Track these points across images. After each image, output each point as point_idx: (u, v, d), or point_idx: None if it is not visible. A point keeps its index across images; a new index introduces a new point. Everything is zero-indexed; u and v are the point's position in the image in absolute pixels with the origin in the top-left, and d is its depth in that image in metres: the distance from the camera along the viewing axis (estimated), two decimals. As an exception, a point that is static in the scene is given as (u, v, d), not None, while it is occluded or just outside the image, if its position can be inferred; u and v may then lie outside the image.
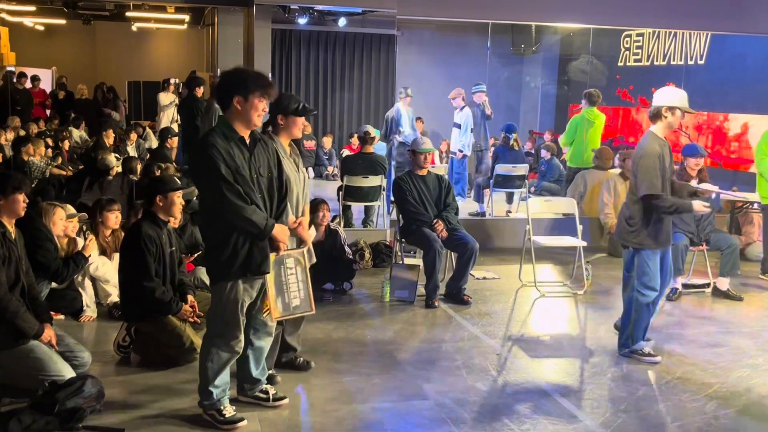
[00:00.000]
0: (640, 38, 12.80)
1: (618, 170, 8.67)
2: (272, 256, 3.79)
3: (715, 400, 4.42)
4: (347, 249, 6.52)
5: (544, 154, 11.11)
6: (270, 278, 3.83)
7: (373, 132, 8.29)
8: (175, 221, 5.35)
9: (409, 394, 4.38)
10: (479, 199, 9.85)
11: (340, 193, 8.15)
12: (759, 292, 6.82)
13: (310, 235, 4.55)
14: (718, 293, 6.70)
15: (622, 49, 13.14)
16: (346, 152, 10.59)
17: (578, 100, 10.26)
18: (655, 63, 12.47)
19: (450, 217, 6.30)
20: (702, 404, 4.35)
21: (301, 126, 4.29)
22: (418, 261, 6.61)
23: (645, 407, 4.33)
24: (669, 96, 4.80)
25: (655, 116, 4.82)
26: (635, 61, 12.95)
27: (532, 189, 10.76)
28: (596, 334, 5.63)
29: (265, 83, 3.74)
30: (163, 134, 9.27)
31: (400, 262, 6.55)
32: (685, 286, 6.78)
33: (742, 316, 6.21)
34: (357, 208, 8.42)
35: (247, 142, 3.74)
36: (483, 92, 10.07)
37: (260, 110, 3.72)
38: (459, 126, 10.25)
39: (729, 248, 6.63)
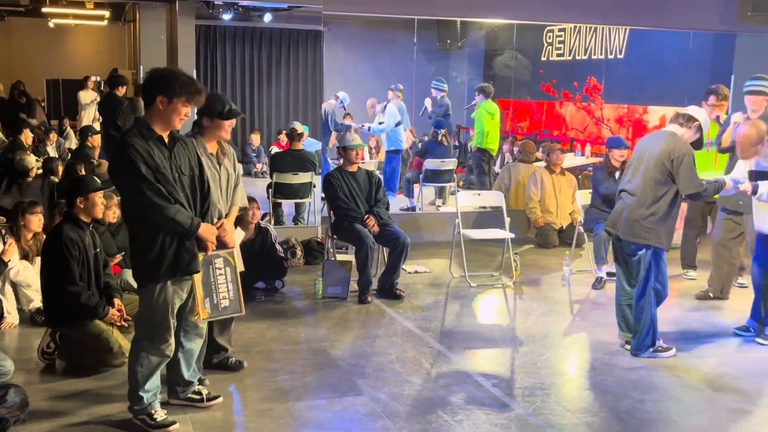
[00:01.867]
0: (562, 33, 13.09)
1: (543, 163, 8.87)
2: (200, 255, 3.74)
3: (641, 384, 4.56)
4: (278, 247, 6.47)
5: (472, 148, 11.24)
6: (198, 278, 3.76)
7: (301, 128, 8.25)
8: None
9: (343, 391, 4.38)
10: (409, 193, 9.92)
11: (270, 190, 8.08)
12: (678, 281, 7.07)
13: (238, 236, 4.50)
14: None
15: (545, 44, 13.42)
16: (275, 149, 10.52)
17: (504, 95, 10.45)
18: (577, 57, 12.79)
19: (381, 213, 6.32)
20: (628, 389, 4.49)
21: (228, 128, 4.23)
22: (350, 257, 6.62)
23: (575, 393, 4.45)
24: (701, 118, 4.97)
25: (685, 123, 4.92)
26: (558, 55, 13.24)
27: (461, 183, 10.90)
28: (525, 323, 5.75)
29: (194, 89, 3.66)
30: (84, 133, 8.99)
31: (332, 259, 6.54)
32: (609, 274, 6.98)
33: (667, 302, 6.41)
34: (288, 205, 8.37)
35: (166, 141, 3.67)
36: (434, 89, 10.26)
37: (182, 115, 3.66)
38: (386, 123, 10.43)
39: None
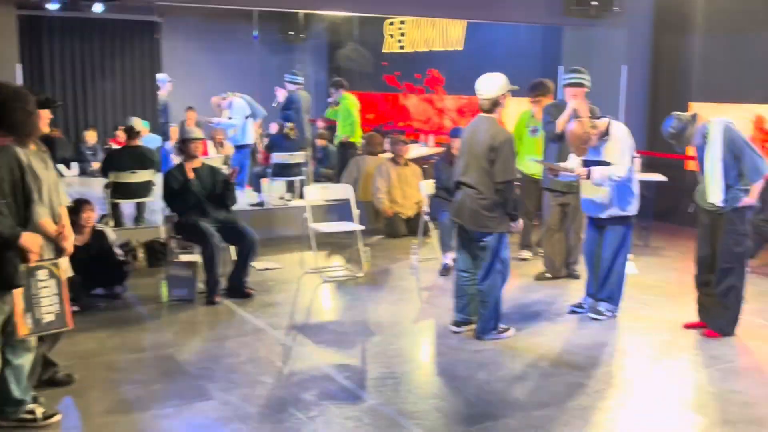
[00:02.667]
0: (403, 26, 13.33)
1: (389, 155, 9.00)
2: (22, 267, 3.46)
3: (487, 365, 4.73)
4: (117, 250, 6.15)
5: (319, 141, 11.21)
6: (17, 292, 3.48)
7: (140, 125, 7.91)
8: None
9: (192, 397, 4.23)
10: (258, 188, 9.77)
11: (108, 190, 7.68)
12: (517, 265, 7.39)
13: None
14: (484, 265, 7.18)
15: (387, 37, 13.61)
16: (113, 146, 10.01)
17: (349, 87, 10.48)
18: (418, 49, 13.07)
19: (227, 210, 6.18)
20: (475, 371, 4.63)
21: (46, 120, 3.95)
22: (195, 257, 6.40)
23: (425, 379, 4.54)
24: (501, 85, 5.07)
25: (494, 105, 5.07)
26: (399, 47, 13.47)
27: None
28: (377, 313, 5.80)
29: None
30: None
31: (177, 260, 6.31)
32: (455, 260, 7.19)
33: (508, 285, 6.69)
34: (128, 205, 7.99)
35: None
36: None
37: None
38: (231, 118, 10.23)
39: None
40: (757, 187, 5.07)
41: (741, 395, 4.30)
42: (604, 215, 5.54)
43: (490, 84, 5.08)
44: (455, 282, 5.36)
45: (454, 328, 5.32)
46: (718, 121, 5.08)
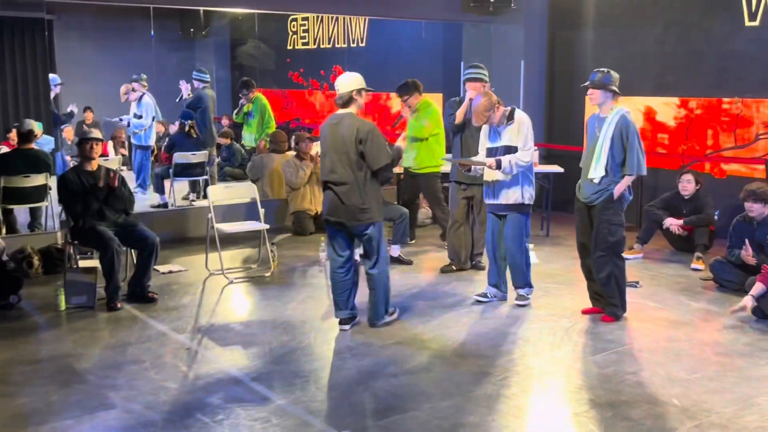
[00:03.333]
0: (306, 22, 13.28)
1: (293, 152, 8.94)
2: None
3: (394, 358, 4.78)
4: (5, 258, 5.88)
5: (222, 140, 11.05)
6: None
7: (37, 128, 7.58)
8: None
9: (93, 406, 4.10)
10: (160, 189, 9.53)
11: (-1, 196, 7.33)
12: (427, 259, 7.50)
13: None
14: (391, 260, 7.24)
15: (290, 33, 13.52)
16: (3, 149, 9.55)
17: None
18: (322, 46, 13.04)
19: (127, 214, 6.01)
20: (383, 366, 4.68)
21: None
22: (95, 263, 6.21)
23: (334, 376, 4.54)
24: (355, 81, 5.23)
25: (348, 101, 5.21)
26: (303, 44, 13.41)
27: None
28: (285, 312, 5.77)
29: None
30: None
31: (75, 266, 6.09)
32: (362, 256, 7.23)
33: (415, 278, 6.80)
34: (22, 210, 7.65)
35: None
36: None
37: None
38: (140, 116, 9.93)
39: (400, 218, 7.19)
40: (628, 180, 5.33)
41: (634, 376, 4.51)
42: (503, 201, 5.74)
43: (346, 81, 5.26)
44: (333, 282, 5.38)
45: (345, 327, 5.36)
46: (620, 108, 5.33)
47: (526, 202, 5.76)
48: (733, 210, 7.13)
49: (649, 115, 9.01)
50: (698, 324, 5.51)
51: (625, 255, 7.38)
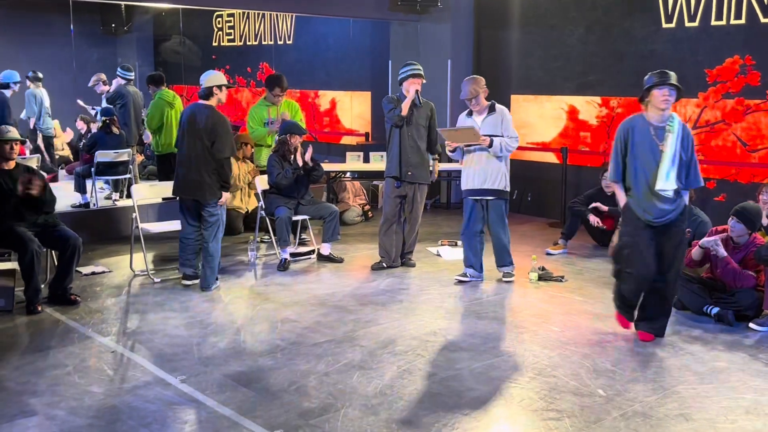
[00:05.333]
0: (232, 19, 13.09)
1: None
2: None
3: (325, 356, 4.76)
4: None
5: (147, 138, 10.79)
6: None
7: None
8: None
9: (12, 414, 3.94)
10: (81, 189, 9.22)
11: None
12: (358, 257, 7.50)
13: None
14: (322, 258, 7.23)
15: (215, 30, 13.31)
16: None
17: (176, 82, 10.16)
18: (248, 43, 12.89)
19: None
20: (314, 364, 4.65)
21: None
22: (13, 265, 5.96)
23: (264, 376, 4.49)
24: (217, 78, 6.17)
25: (210, 94, 6.10)
26: (229, 41, 13.22)
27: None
28: (213, 314, 5.68)
29: None
30: None
31: (-8, 269, 5.84)
32: (292, 255, 7.19)
33: (346, 276, 6.79)
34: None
35: None
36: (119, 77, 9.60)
37: None
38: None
39: (330, 216, 7.16)
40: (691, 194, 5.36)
41: (562, 368, 4.61)
42: (490, 186, 6.18)
43: (207, 76, 6.18)
44: (183, 246, 6.32)
45: (187, 282, 6.31)
46: (672, 113, 4.88)
47: (507, 189, 6.31)
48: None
49: (572, 113, 9.24)
50: (621, 316, 5.67)
51: (549, 250, 7.61)
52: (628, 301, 5.06)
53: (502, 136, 6.14)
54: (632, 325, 5.14)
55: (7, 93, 9.42)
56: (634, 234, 4.89)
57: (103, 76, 10.14)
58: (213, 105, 6.12)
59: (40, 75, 10.45)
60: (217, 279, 6.31)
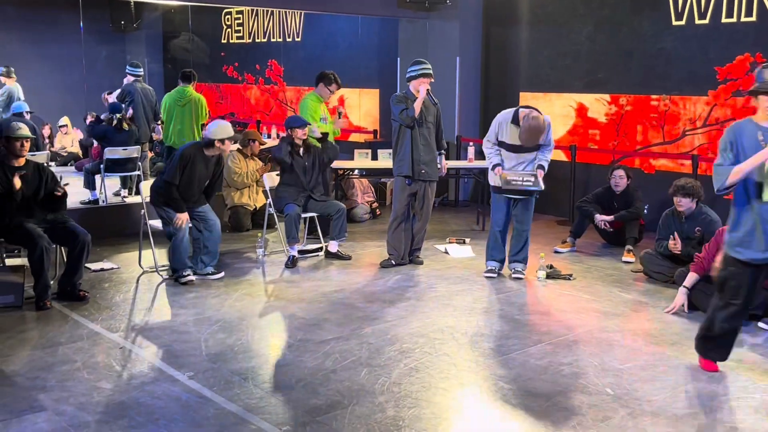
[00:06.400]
0: (240, 16, 13.11)
1: (236, 146, 8.81)
2: None
3: (332, 354, 4.77)
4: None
5: (158, 133, 10.81)
6: None
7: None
8: None
9: (21, 409, 3.96)
10: (90, 185, 9.26)
11: None
12: (366, 254, 7.50)
13: None
14: (330, 255, 7.24)
15: (224, 27, 13.33)
16: None
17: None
18: (257, 40, 12.90)
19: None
20: (320, 361, 4.65)
21: None
22: (23, 261, 6.00)
23: (272, 373, 4.50)
24: (222, 131, 6.24)
25: (209, 145, 6.27)
26: (238, 38, 13.23)
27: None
28: (221, 310, 5.68)
29: None
30: None
31: (2, 265, 5.87)
32: (300, 252, 7.20)
33: (355, 273, 6.79)
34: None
35: None
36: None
37: None
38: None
39: (337, 213, 7.16)
40: None
41: (569, 366, 4.60)
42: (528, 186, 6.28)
43: (213, 127, 6.29)
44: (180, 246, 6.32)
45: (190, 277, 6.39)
46: None
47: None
48: (662, 204, 7.36)
49: (581, 111, 9.21)
50: (629, 315, 5.66)
51: (557, 248, 7.59)
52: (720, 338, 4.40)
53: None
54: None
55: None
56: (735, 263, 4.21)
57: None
58: (211, 156, 6.39)
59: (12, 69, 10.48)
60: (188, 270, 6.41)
